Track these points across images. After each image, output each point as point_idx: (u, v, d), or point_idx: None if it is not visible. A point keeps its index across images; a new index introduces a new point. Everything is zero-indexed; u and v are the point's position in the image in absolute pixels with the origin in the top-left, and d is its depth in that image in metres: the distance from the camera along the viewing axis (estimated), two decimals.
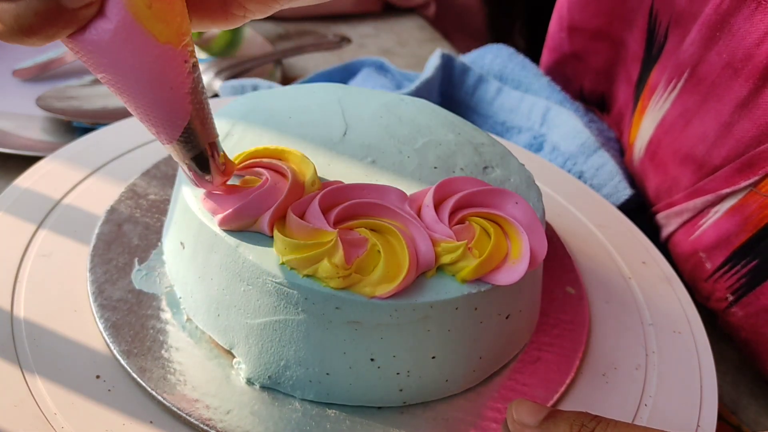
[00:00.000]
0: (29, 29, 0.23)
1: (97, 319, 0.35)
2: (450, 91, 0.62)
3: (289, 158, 0.35)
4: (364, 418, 0.33)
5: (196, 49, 0.68)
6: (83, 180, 0.43)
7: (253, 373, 0.33)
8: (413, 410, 0.34)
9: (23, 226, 0.40)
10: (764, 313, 0.43)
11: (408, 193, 0.34)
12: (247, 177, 0.34)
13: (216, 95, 0.59)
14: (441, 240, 0.32)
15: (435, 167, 0.38)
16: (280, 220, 0.32)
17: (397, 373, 0.33)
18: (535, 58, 0.66)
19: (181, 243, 0.35)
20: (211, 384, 0.33)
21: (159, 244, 0.39)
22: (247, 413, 0.32)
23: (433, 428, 0.33)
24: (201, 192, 0.33)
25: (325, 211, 0.32)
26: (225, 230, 0.32)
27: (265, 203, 0.32)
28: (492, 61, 0.63)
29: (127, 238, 0.39)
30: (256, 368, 0.33)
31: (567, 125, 0.57)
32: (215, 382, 0.33)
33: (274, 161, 0.34)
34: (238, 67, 0.63)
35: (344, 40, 0.71)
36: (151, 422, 0.32)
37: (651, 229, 0.51)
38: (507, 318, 0.35)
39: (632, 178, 0.55)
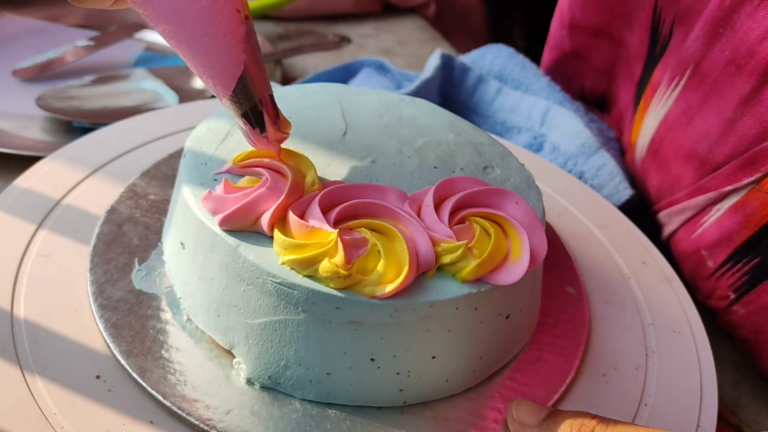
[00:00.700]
0: None
1: (97, 319, 0.35)
2: (450, 91, 0.62)
3: (290, 158, 0.35)
4: (364, 418, 0.33)
5: None
6: (83, 180, 0.43)
7: (253, 373, 0.33)
8: (413, 410, 0.34)
9: (23, 226, 0.40)
10: (766, 311, 0.43)
11: (408, 193, 0.34)
12: (248, 177, 0.34)
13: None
14: (441, 240, 0.32)
15: (435, 167, 0.38)
16: (280, 220, 0.32)
17: (398, 373, 0.33)
18: (535, 58, 0.66)
19: (181, 243, 0.35)
20: (211, 384, 0.33)
21: (159, 244, 0.39)
22: (247, 413, 0.32)
23: (434, 428, 0.33)
24: (201, 192, 0.33)
25: (325, 211, 0.32)
26: (225, 230, 0.32)
27: (265, 203, 0.32)
28: (492, 61, 0.63)
29: (127, 238, 0.39)
30: (256, 368, 0.33)
31: (567, 125, 0.57)
32: (215, 382, 0.33)
33: (275, 161, 0.34)
34: None
35: (344, 40, 0.71)
36: (151, 422, 0.32)
37: (651, 229, 0.51)
38: (507, 318, 0.35)
39: (632, 178, 0.55)
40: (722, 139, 0.44)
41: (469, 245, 0.32)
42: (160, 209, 0.41)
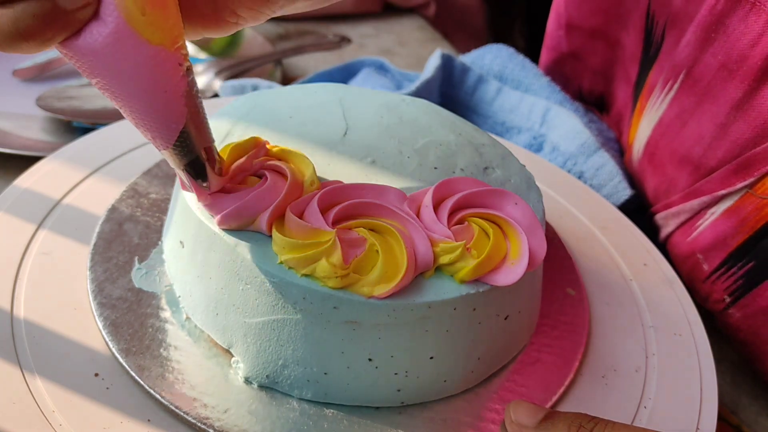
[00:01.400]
0: (26, 33, 0.23)
1: (96, 317, 0.35)
2: (450, 92, 0.62)
3: (289, 158, 0.35)
4: (362, 417, 0.33)
5: (197, 49, 0.69)
6: (83, 180, 0.43)
7: (251, 372, 0.33)
8: (411, 411, 0.34)
9: (23, 226, 0.40)
10: (762, 315, 0.43)
11: (407, 194, 0.34)
12: (248, 178, 0.34)
13: (216, 95, 0.59)
14: (440, 240, 0.32)
15: (435, 167, 0.38)
16: (278, 219, 0.32)
17: (395, 374, 0.33)
18: (534, 58, 0.66)
19: (181, 242, 0.35)
20: (209, 383, 0.33)
21: (159, 243, 0.39)
22: (244, 412, 0.32)
23: (431, 429, 0.33)
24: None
25: (324, 210, 0.32)
26: (224, 229, 0.32)
27: (263, 202, 0.32)
28: (492, 61, 0.63)
29: (127, 237, 0.39)
30: (254, 367, 0.33)
31: (566, 125, 0.57)
32: (213, 380, 0.33)
33: (274, 161, 0.34)
34: (238, 67, 0.63)
35: (344, 40, 0.71)
36: (149, 420, 0.32)
37: (651, 230, 0.51)
38: (506, 319, 0.35)
39: (632, 178, 0.55)
40: (716, 144, 0.44)
41: (467, 246, 0.32)
42: (161, 208, 0.41)
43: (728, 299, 0.45)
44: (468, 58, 0.65)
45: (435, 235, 0.32)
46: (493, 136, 0.44)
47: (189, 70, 0.27)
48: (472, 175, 0.38)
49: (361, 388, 0.33)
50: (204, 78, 0.62)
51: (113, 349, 0.34)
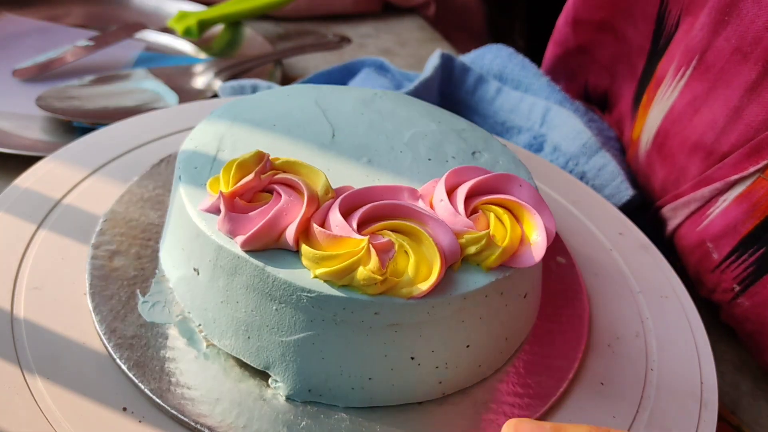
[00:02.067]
0: None
1: (118, 360, 0.34)
2: (450, 91, 0.62)
3: (296, 169, 0.34)
4: (407, 414, 0.34)
5: (197, 49, 0.69)
6: (83, 180, 0.43)
7: (292, 390, 0.33)
8: (452, 399, 0.35)
9: (23, 226, 0.40)
10: None
11: (413, 188, 0.35)
12: (257, 195, 0.33)
13: (216, 95, 0.59)
14: (463, 232, 0.33)
15: (429, 159, 0.39)
16: (303, 233, 0.32)
17: (436, 367, 0.33)
18: (535, 57, 0.66)
19: (195, 270, 0.34)
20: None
21: (156, 272, 0.38)
22: (296, 429, 0.32)
23: (478, 412, 0.34)
24: (214, 216, 0.33)
25: (345, 217, 0.32)
26: (248, 251, 0.32)
27: (286, 218, 0.31)
28: (491, 61, 0.63)
29: (122, 271, 0.38)
30: (295, 384, 0.33)
31: (567, 125, 0.57)
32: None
33: (282, 174, 0.33)
34: (238, 67, 0.63)
35: (344, 40, 0.71)
36: (149, 422, 0.32)
37: (654, 226, 0.51)
38: (525, 297, 0.36)
39: (634, 178, 0.55)
40: (728, 128, 0.44)
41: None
42: (148, 234, 0.40)
43: (737, 288, 0.45)
44: (467, 58, 0.64)
45: (457, 228, 0.33)
46: (495, 137, 0.44)
47: None
48: (463, 161, 0.39)
49: (404, 387, 0.33)
50: (204, 78, 0.62)
51: (145, 390, 0.33)
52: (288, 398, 0.33)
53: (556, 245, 0.44)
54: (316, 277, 0.31)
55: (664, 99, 0.50)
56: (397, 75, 0.63)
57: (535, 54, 0.68)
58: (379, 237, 0.32)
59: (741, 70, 0.42)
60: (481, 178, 0.35)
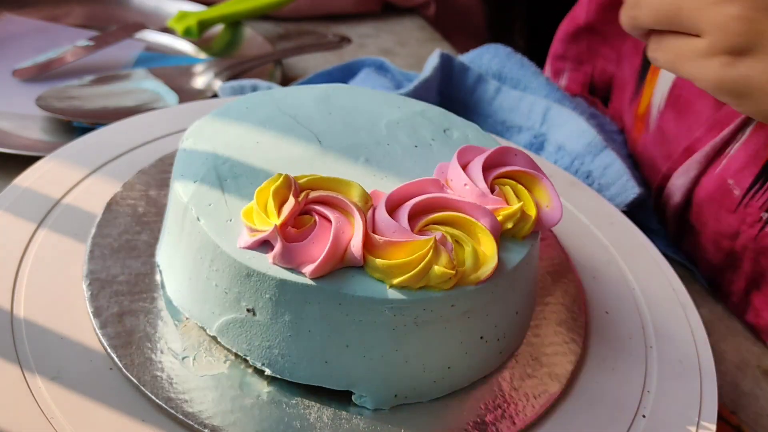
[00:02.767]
0: None
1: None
2: (449, 91, 0.62)
3: (324, 185, 0.33)
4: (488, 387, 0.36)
5: (197, 49, 0.69)
6: (83, 180, 0.43)
7: (380, 401, 0.33)
8: (509, 364, 0.37)
9: (23, 226, 0.40)
10: None
11: (413, 178, 0.35)
12: (298, 219, 0.32)
13: (215, 95, 0.59)
14: (498, 209, 0.34)
15: (415, 146, 0.40)
16: (365, 247, 0.31)
17: (498, 340, 0.35)
18: (534, 57, 0.66)
19: (249, 310, 0.32)
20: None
21: (175, 324, 0.36)
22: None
23: (536, 370, 0.37)
24: (255, 251, 0.32)
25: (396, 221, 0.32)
26: (316, 278, 0.31)
27: (344, 236, 0.31)
28: (490, 60, 0.63)
29: (133, 320, 0.36)
30: (383, 396, 0.33)
31: (570, 124, 0.57)
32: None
33: (315, 192, 0.33)
34: (238, 67, 0.63)
35: (344, 40, 0.71)
36: (149, 422, 0.32)
37: (659, 206, 0.52)
38: (539, 261, 0.39)
39: (638, 177, 0.56)
40: None
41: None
42: (134, 285, 0.38)
43: (765, 215, 0.45)
44: (466, 58, 0.64)
45: (490, 206, 0.34)
46: (494, 136, 0.44)
47: None
48: (442, 142, 0.40)
49: (478, 367, 0.35)
50: (204, 78, 0.62)
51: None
52: (376, 409, 0.33)
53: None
54: (392, 286, 0.31)
55: None
56: (397, 75, 0.63)
57: (535, 54, 0.68)
58: (429, 233, 0.32)
59: None
60: (485, 155, 0.36)
